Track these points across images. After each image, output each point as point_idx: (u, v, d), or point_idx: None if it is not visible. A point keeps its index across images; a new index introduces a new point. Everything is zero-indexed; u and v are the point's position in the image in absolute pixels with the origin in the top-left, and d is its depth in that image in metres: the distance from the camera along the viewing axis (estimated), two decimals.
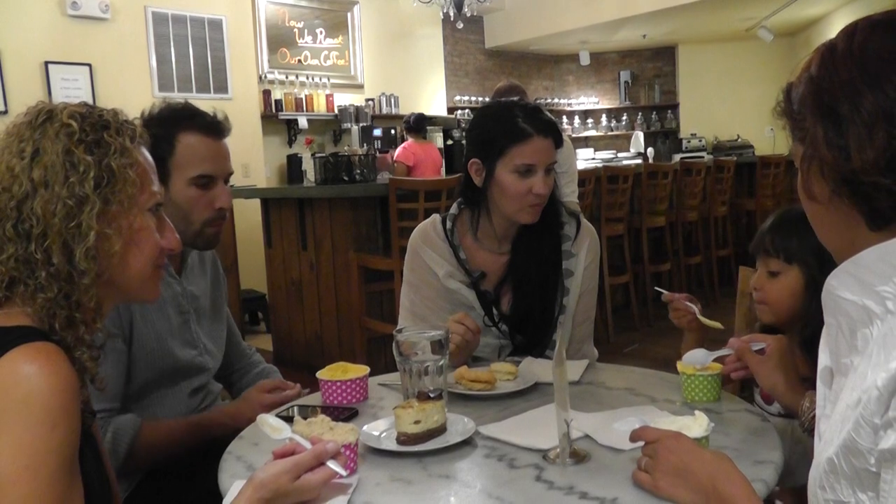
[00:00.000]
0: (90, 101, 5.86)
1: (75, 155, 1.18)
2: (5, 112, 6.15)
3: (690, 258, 7.08)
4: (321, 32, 9.11)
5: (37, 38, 6.42)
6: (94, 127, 1.22)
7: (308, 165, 7.29)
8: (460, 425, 1.54)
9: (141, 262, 1.28)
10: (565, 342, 1.36)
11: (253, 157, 7.85)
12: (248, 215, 6.82)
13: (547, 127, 2.08)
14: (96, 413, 1.73)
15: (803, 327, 1.58)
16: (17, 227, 1.16)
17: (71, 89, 6.54)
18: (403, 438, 1.47)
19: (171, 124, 1.98)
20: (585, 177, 5.79)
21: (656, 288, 2.05)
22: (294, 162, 8.33)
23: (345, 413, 1.73)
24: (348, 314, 5.18)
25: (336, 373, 1.87)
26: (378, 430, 1.56)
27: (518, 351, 2.16)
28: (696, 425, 1.32)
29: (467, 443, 1.49)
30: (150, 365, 1.94)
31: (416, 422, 1.47)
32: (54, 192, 1.16)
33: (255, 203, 6.22)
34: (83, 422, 1.17)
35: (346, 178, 5.74)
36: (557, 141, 2.10)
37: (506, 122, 2.08)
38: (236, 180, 7.19)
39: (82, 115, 1.23)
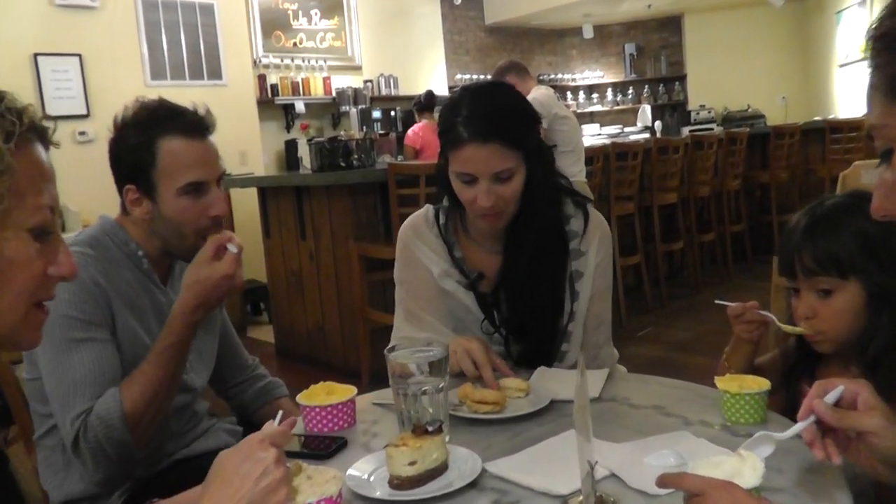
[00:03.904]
0: (81, 93, 5.53)
1: None
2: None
3: (703, 235, 6.86)
4: (316, 14, 8.90)
5: (25, 29, 6.27)
6: None
7: (304, 152, 7.11)
8: (464, 464, 1.32)
9: (10, 299, 1.00)
10: (584, 367, 1.13)
11: (250, 144, 7.69)
12: (245, 204, 6.71)
13: (487, 131, 1.79)
14: (81, 414, 1.62)
15: (865, 348, 1.31)
16: None
17: (61, 80, 6.41)
18: (397, 482, 1.25)
19: (149, 129, 1.78)
20: (593, 154, 5.62)
21: (717, 301, 1.72)
22: (292, 148, 8.21)
23: (332, 445, 1.50)
24: (350, 305, 5.05)
25: (319, 395, 1.64)
26: (367, 470, 1.33)
27: (520, 363, 1.93)
28: (747, 470, 1.06)
29: (473, 485, 1.26)
30: None
31: (412, 462, 1.25)
32: None
33: (253, 191, 6.09)
34: None
35: (343, 164, 5.52)
36: (510, 141, 1.79)
37: (447, 120, 1.84)
38: (233, 168, 7.11)
39: None
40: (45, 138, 1.06)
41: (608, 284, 1.98)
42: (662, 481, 1.06)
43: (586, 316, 1.93)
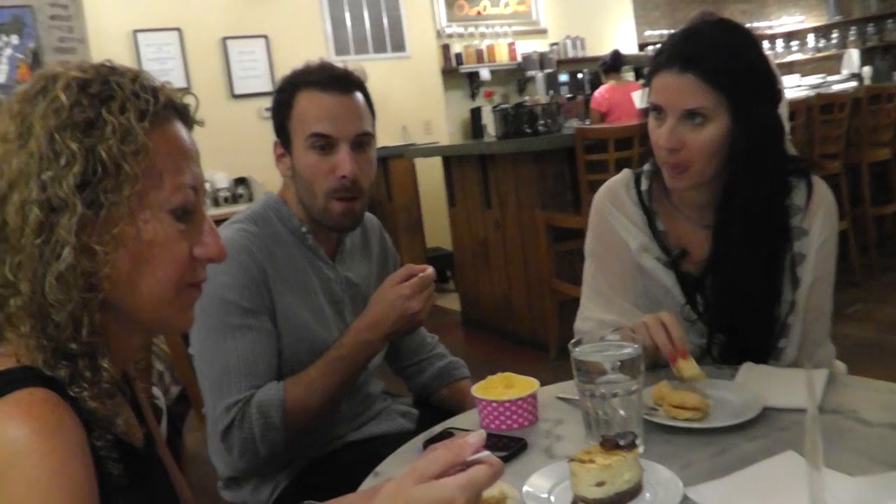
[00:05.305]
0: (267, 71, 5.83)
1: (57, 142, 0.88)
2: (187, 88, 6.32)
3: None
4: None
5: (215, 15, 6.66)
6: (93, 101, 0.90)
7: (488, 119, 7.04)
8: (662, 489, 1.13)
9: (155, 284, 0.95)
10: (812, 374, 0.91)
11: (434, 114, 7.75)
12: (430, 173, 6.85)
13: (686, 59, 1.57)
14: (238, 402, 1.63)
15: None
16: None
17: (248, 61, 6.77)
18: None
19: (292, 86, 1.78)
20: (795, 108, 5.11)
21: None
22: (477, 116, 8.22)
23: (510, 447, 1.35)
24: (537, 276, 4.93)
25: (497, 387, 1.50)
26: (546, 487, 1.17)
27: (726, 359, 1.70)
28: None
29: None
30: (297, 360, 1.73)
31: (600, 483, 1.08)
32: (28, 191, 0.87)
33: (438, 160, 6.16)
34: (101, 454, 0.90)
35: (528, 131, 5.38)
36: (710, 77, 1.56)
37: (659, 49, 1.66)
38: (418, 138, 7.17)
39: (81, 85, 0.91)
40: (185, 117, 1.01)
41: (831, 269, 1.71)
42: None
43: (806, 305, 1.68)
